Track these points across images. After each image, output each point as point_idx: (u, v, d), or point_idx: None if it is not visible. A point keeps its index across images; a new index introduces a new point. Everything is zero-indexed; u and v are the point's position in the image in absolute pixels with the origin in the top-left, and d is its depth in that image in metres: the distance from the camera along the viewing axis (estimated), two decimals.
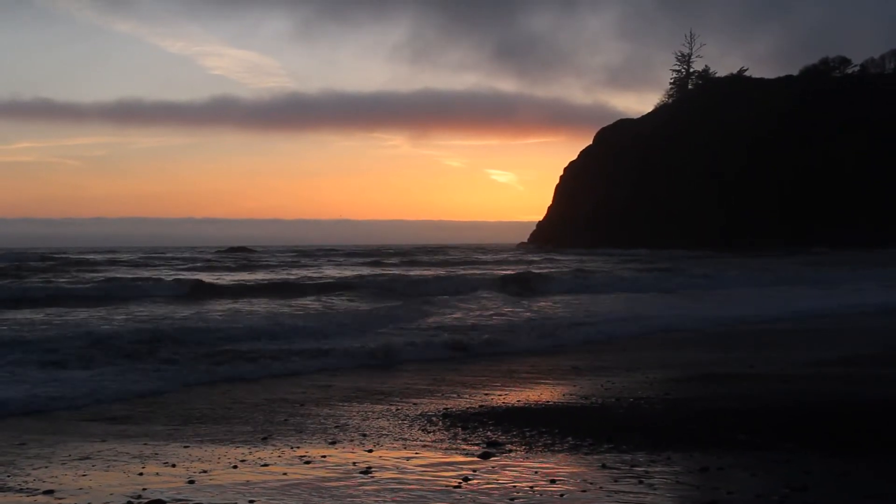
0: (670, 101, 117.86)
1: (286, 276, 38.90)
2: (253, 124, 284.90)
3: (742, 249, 78.82)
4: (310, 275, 40.57)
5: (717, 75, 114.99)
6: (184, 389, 11.03)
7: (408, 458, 7.11)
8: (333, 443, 7.80)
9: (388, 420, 8.88)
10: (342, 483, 6.35)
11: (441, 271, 43.52)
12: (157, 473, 6.72)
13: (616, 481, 6.26)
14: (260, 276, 40.23)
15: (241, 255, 75.10)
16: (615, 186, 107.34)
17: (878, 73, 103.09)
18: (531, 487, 6.15)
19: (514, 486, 6.17)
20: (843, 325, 20.06)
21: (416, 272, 41.92)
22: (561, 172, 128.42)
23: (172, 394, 10.74)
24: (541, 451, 7.31)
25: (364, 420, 8.90)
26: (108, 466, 6.99)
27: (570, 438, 7.75)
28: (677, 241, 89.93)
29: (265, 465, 6.97)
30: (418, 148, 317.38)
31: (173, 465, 6.98)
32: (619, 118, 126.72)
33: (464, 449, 7.46)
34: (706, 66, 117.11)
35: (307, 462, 7.04)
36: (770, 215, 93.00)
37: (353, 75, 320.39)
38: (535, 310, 22.79)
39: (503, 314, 21.43)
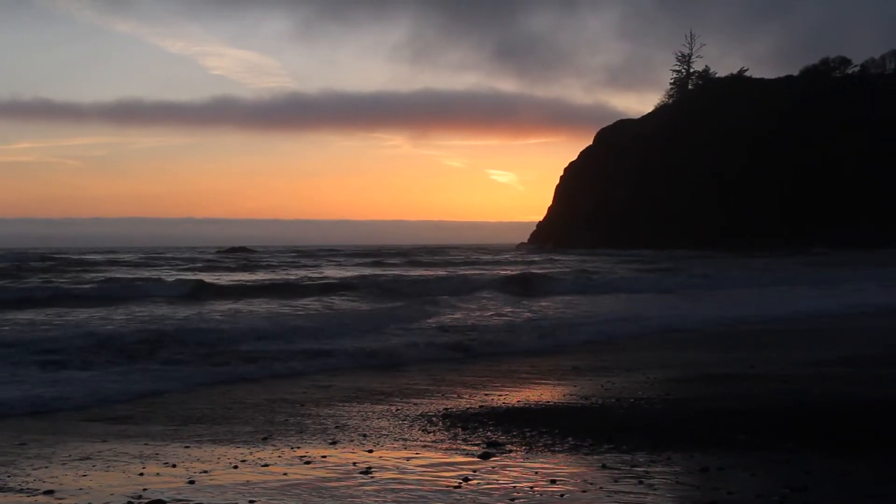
0: (670, 101, 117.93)
1: (287, 277, 38.93)
2: (253, 124, 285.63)
3: (742, 249, 78.81)
4: (310, 275, 40.59)
5: (717, 75, 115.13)
6: (184, 390, 11.01)
7: (408, 459, 7.11)
8: (334, 443, 7.80)
9: (389, 420, 8.88)
10: (342, 483, 6.35)
11: (442, 271, 43.57)
12: (158, 473, 6.72)
13: (616, 481, 6.26)
14: (260, 276, 40.30)
15: (241, 256, 75.24)
16: (615, 187, 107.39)
17: (879, 74, 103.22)
18: (531, 488, 6.15)
19: (515, 487, 6.17)
20: (843, 325, 20.06)
21: (416, 272, 41.97)
22: (561, 173, 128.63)
23: (173, 394, 10.73)
24: (541, 452, 7.31)
25: (364, 420, 8.89)
26: (109, 467, 6.99)
27: (570, 439, 7.76)
28: (677, 241, 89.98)
29: (265, 465, 6.97)
30: (418, 148, 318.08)
31: (174, 466, 6.98)
32: (619, 118, 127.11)
33: (464, 449, 7.45)
34: (706, 66, 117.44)
35: (307, 462, 7.04)
36: (770, 215, 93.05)
37: (353, 75, 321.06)
38: (536, 310, 22.79)
39: (504, 314, 21.44)
